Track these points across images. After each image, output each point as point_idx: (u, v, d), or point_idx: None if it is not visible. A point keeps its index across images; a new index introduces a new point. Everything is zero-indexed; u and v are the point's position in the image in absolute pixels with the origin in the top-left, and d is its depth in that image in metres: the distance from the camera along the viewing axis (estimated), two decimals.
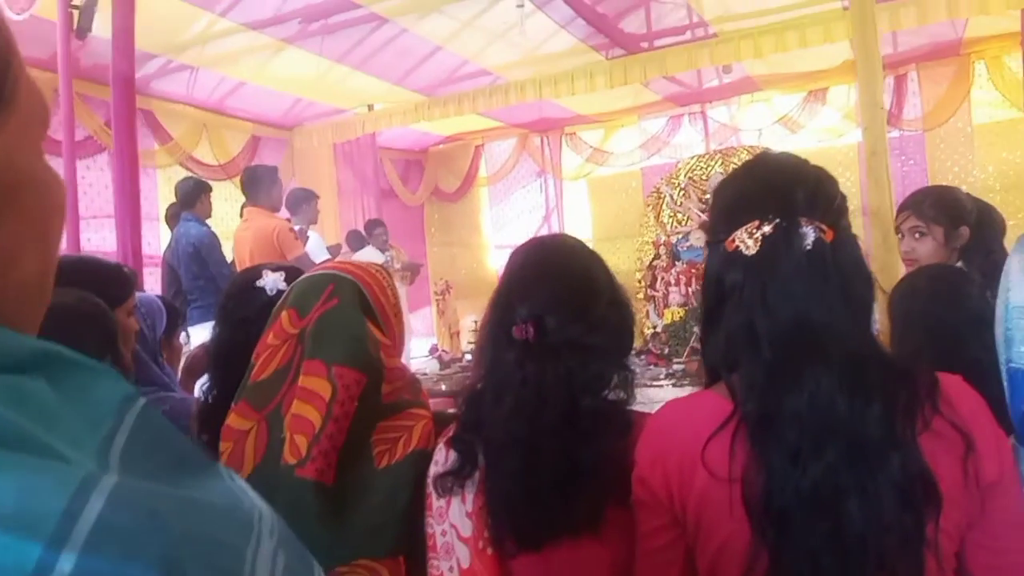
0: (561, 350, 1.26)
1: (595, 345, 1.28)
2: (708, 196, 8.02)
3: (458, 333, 7.83)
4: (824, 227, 0.98)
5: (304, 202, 5.71)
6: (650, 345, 5.97)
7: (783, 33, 6.21)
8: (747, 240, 0.99)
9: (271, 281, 1.86)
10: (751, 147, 8.42)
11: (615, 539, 1.18)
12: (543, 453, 1.23)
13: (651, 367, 5.36)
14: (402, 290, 6.51)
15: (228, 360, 1.73)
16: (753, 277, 0.99)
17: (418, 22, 6.27)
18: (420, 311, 9.46)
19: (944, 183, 7.81)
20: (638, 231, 7.63)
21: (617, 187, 9.44)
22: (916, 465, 0.92)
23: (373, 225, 6.86)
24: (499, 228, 10.32)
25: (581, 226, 9.92)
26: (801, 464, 0.93)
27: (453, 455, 1.36)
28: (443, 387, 4.98)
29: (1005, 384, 1.08)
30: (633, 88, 7.77)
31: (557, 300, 1.29)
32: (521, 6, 5.57)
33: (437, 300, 8.74)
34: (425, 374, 5.56)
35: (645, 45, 7.12)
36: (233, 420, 1.55)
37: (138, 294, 2.50)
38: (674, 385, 4.46)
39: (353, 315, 1.54)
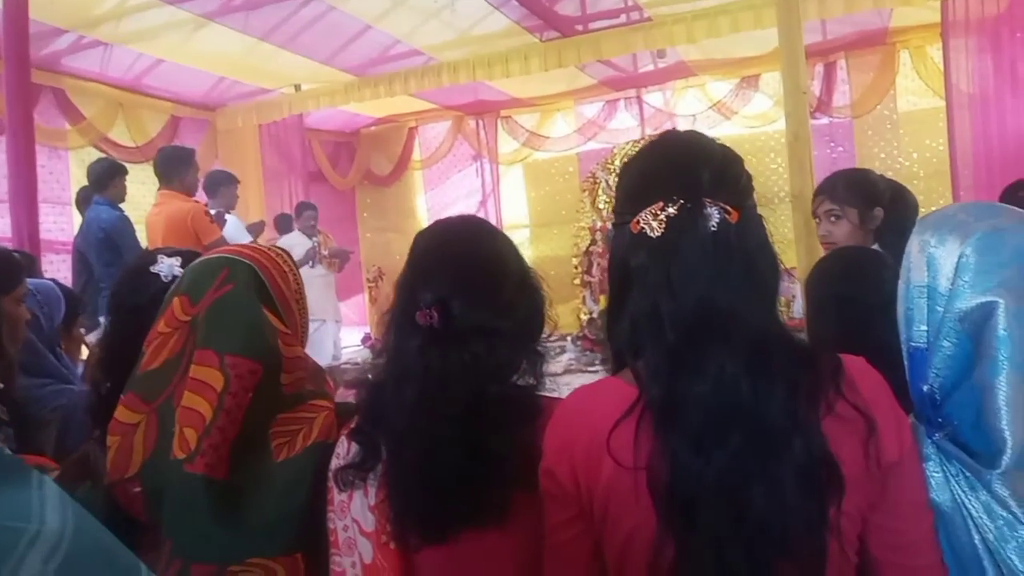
0: (467, 336, 1.21)
1: (503, 330, 1.23)
2: None
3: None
4: (729, 208, 0.96)
5: (223, 185, 5.51)
6: (586, 331, 5.96)
7: (715, 18, 6.24)
8: (652, 222, 0.96)
9: (166, 266, 1.75)
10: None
11: (522, 528, 1.15)
12: (447, 443, 1.18)
13: (587, 353, 5.35)
14: (331, 277, 6.36)
15: (121, 350, 1.62)
16: (658, 260, 0.96)
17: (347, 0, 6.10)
18: (352, 299, 9.29)
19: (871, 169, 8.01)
20: (575, 216, 7.61)
21: (554, 172, 9.41)
22: (819, 449, 0.91)
23: (301, 208, 6.66)
24: (435, 213, 10.18)
25: (518, 211, 9.90)
26: (705, 451, 0.91)
27: (355, 447, 1.30)
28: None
29: (905, 363, 1.07)
30: (568, 72, 7.74)
31: (463, 283, 1.24)
32: None
33: (370, 287, 8.58)
34: (357, 364, 5.44)
35: (580, 28, 7.07)
36: (121, 413, 1.46)
37: (34, 281, 2.36)
38: (608, 371, 4.45)
39: (249, 301, 1.46)
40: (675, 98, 9.17)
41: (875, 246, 2.11)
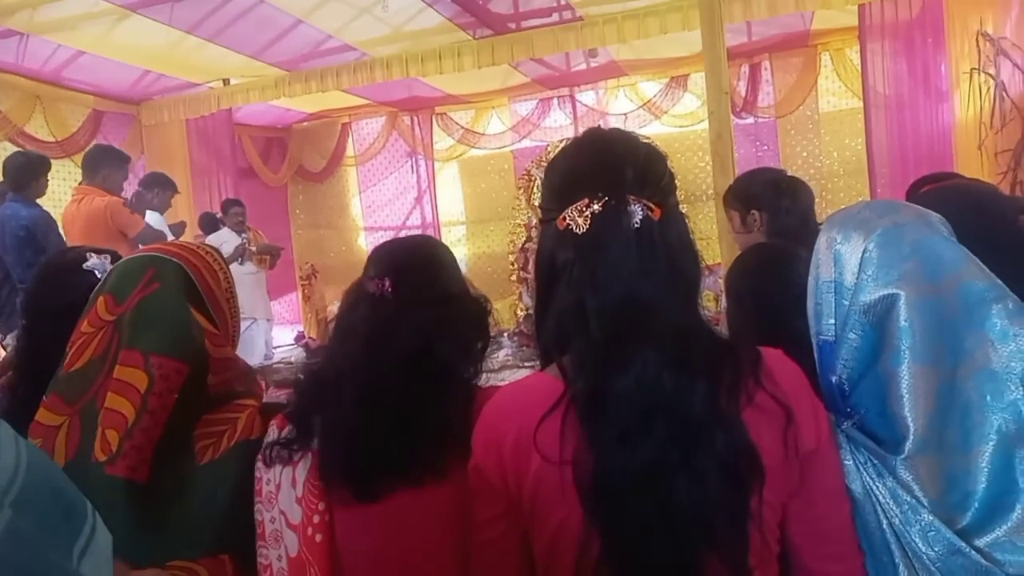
0: (417, 305, 1.29)
1: (449, 315, 1.31)
2: None
3: (326, 319, 7.61)
4: (652, 205, 0.98)
5: (160, 186, 5.35)
6: (522, 327, 6.00)
7: (644, 19, 6.34)
8: (577, 218, 0.98)
9: (99, 264, 1.71)
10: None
11: (455, 489, 1.17)
12: (387, 394, 1.24)
13: (523, 348, 5.38)
14: (261, 275, 6.24)
15: (42, 352, 1.58)
16: (583, 255, 0.98)
17: None
18: (285, 297, 9.13)
19: (794, 168, 8.28)
20: (511, 213, 7.64)
21: (489, 169, 9.43)
22: (740, 440, 0.93)
23: (229, 205, 6.50)
24: (370, 210, 10.09)
25: (454, 208, 9.88)
26: (630, 443, 0.93)
27: (287, 429, 1.33)
28: None
29: (816, 355, 1.11)
30: (503, 69, 7.76)
31: (412, 269, 1.35)
32: None
33: (303, 285, 8.45)
34: (290, 363, 5.35)
35: (513, 26, 7.09)
36: (42, 415, 1.43)
37: None
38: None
39: (175, 300, 1.44)
40: (607, 97, 9.28)
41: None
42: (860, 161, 7.06)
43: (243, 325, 6.57)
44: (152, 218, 5.23)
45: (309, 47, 7.06)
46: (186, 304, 1.45)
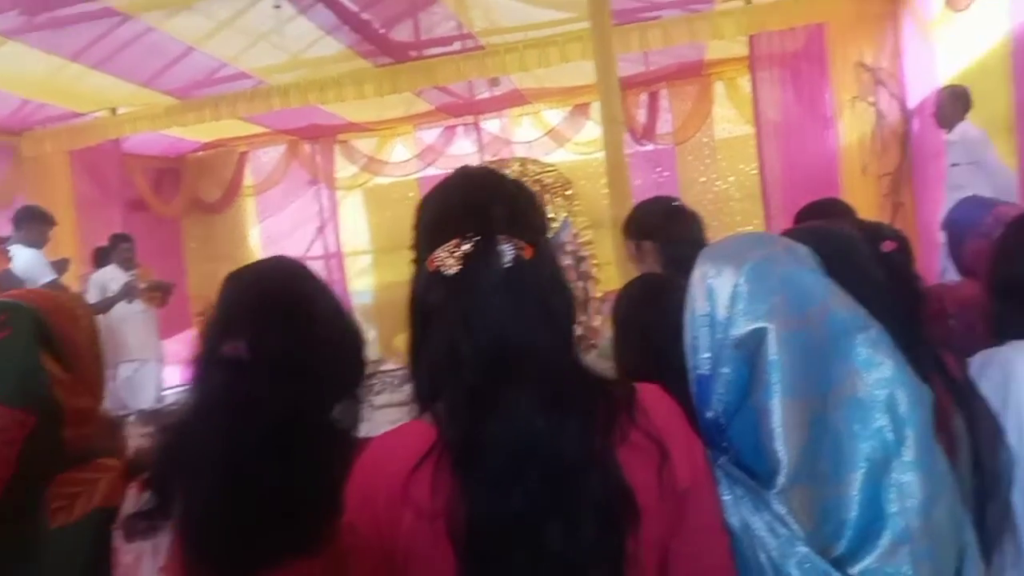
0: (277, 370, 1.19)
1: (317, 368, 1.22)
2: None
3: None
4: (523, 244, 0.97)
5: (32, 220, 5.05)
6: None
7: (545, 48, 6.44)
8: (447, 259, 0.96)
9: None
10: (523, 158, 8.71)
11: (333, 562, 1.09)
12: (252, 475, 1.14)
13: None
14: (152, 313, 5.97)
15: None
16: (454, 297, 0.96)
17: (166, 20, 5.79)
18: (179, 335, 8.75)
19: (692, 193, 8.53)
20: None
21: (394, 197, 9.34)
22: (615, 481, 0.92)
23: (116, 240, 6.19)
24: (270, 241, 9.83)
25: (358, 237, 9.74)
26: (503, 491, 0.90)
27: (145, 496, 1.24)
28: None
29: (692, 390, 1.10)
30: (405, 97, 7.73)
31: (272, 320, 1.23)
32: (278, 7, 5.31)
33: (199, 321, 8.11)
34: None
35: (414, 54, 7.10)
36: None
37: None
38: None
39: (25, 347, 1.35)
40: (512, 125, 9.37)
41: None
42: (755, 185, 7.34)
43: (131, 368, 6.27)
44: (29, 255, 4.94)
45: (202, 75, 6.88)
46: (37, 352, 1.35)
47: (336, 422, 1.25)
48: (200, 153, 9.50)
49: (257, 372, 1.18)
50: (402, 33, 6.94)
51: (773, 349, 1.01)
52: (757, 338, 1.02)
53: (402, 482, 0.92)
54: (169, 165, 9.50)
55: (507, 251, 0.95)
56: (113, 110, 7.15)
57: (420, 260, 1.02)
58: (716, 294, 1.07)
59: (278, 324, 1.22)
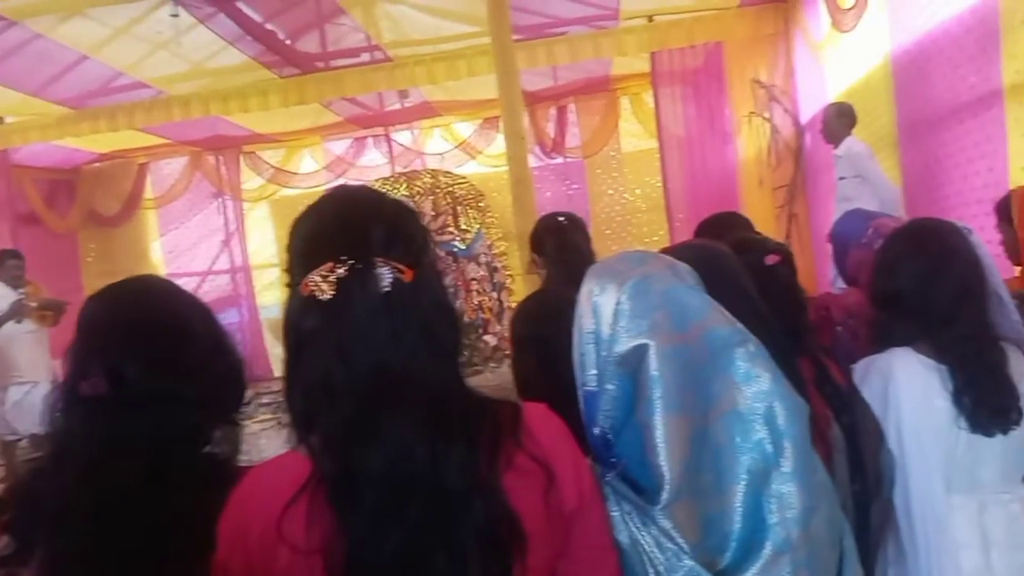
0: (144, 403, 1.11)
1: (189, 396, 1.14)
2: None
3: None
4: (403, 267, 0.92)
5: None
6: None
7: (454, 62, 6.47)
8: (321, 284, 0.90)
9: None
10: (434, 170, 8.69)
11: None
12: (117, 520, 1.07)
13: None
14: (43, 333, 5.66)
15: None
16: (328, 323, 0.91)
17: (56, 26, 5.52)
18: None
19: (601, 206, 8.70)
20: None
21: (302, 209, 9.12)
22: (499, 508, 0.89)
23: (4, 257, 5.83)
24: (173, 255, 9.50)
25: (265, 250, 9.51)
26: (382, 526, 0.86)
27: (4, 541, 1.14)
28: None
29: (581, 407, 1.10)
30: (313, 108, 7.62)
31: (136, 348, 1.14)
32: (175, 15, 5.14)
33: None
34: None
35: (321, 65, 6.99)
36: None
37: None
38: None
39: None
40: (423, 137, 9.36)
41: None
42: (660, 198, 7.54)
43: (21, 391, 5.93)
44: None
45: (97, 84, 6.61)
46: None
47: (213, 452, 1.18)
48: (97, 164, 9.12)
49: (119, 409, 1.10)
50: (308, 44, 6.83)
51: (654, 365, 1.02)
52: (639, 354, 1.03)
53: (276, 518, 0.88)
54: (64, 177, 9.08)
55: (385, 275, 0.91)
56: (0, 120, 6.78)
57: (294, 284, 0.96)
58: (600, 311, 1.08)
59: (141, 352, 1.14)
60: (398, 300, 0.91)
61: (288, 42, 6.58)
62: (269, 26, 6.21)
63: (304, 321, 0.93)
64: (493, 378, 6.73)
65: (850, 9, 4.78)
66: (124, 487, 1.07)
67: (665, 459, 1.01)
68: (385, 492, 0.87)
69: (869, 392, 1.71)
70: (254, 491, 0.94)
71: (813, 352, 1.94)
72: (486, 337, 7.73)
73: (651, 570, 1.02)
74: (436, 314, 0.96)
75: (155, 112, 6.76)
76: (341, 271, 0.90)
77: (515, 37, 4.99)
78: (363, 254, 0.91)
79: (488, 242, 8.32)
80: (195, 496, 1.06)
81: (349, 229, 0.95)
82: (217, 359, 1.22)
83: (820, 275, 5.66)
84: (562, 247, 2.31)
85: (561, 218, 2.37)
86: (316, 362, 0.91)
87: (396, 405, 0.89)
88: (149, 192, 9.36)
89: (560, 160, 8.71)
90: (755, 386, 1.05)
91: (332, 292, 0.90)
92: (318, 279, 0.91)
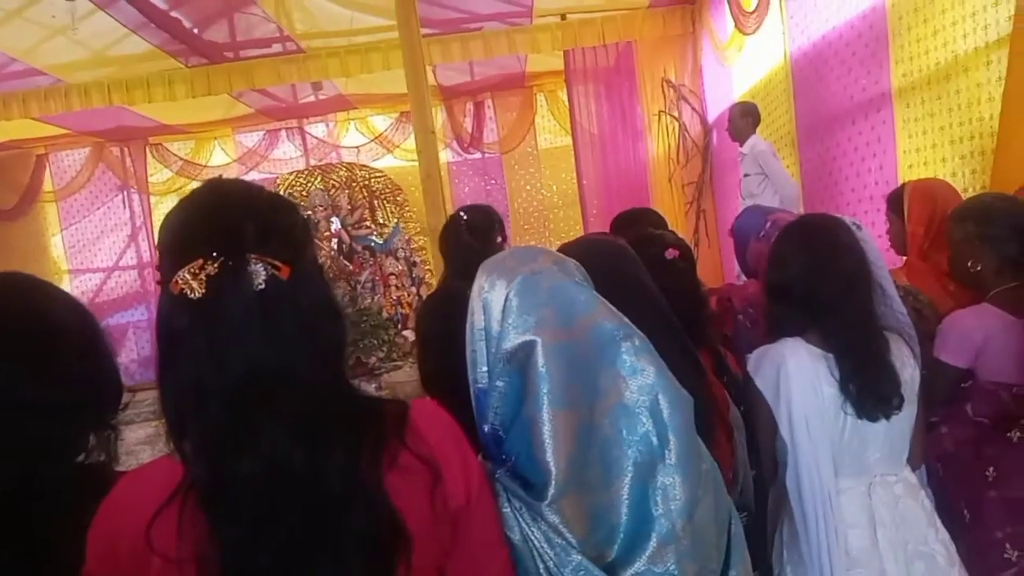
0: (8, 415, 1.04)
1: (60, 403, 1.07)
2: (308, 212, 7.96)
3: None
4: (279, 263, 0.89)
5: None
6: None
7: (367, 55, 6.38)
8: (191, 282, 0.86)
9: None
10: (350, 164, 8.56)
11: None
12: None
13: None
14: None
15: None
16: (199, 324, 0.87)
17: None
18: None
19: (519, 201, 8.74)
20: None
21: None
22: (382, 509, 0.88)
23: None
24: (75, 250, 9.08)
25: None
26: (258, 533, 0.84)
27: None
28: None
29: (473, 403, 1.11)
30: (223, 99, 7.39)
31: (2, 353, 1.06)
32: (71, 0, 4.90)
33: None
34: None
35: (230, 55, 6.79)
36: None
37: None
38: None
39: None
40: (338, 130, 9.20)
41: None
42: (575, 193, 7.63)
43: None
44: None
45: None
46: None
47: (86, 462, 1.12)
48: None
49: None
50: (216, 35, 6.62)
51: (541, 361, 1.03)
52: (526, 350, 1.04)
53: (145, 527, 0.85)
54: None
55: (259, 271, 0.87)
56: None
57: (164, 282, 0.91)
58: (490, 308, 1.08)
59: (4, 359, 1.06)
60: (273, 298, 0.88)
61: (195, 31, 6.36)
62: (174, 14, 5.98)
63: (174, 321, 0.89)
64: (412, 373, 6.68)
65: (752, 12, 4.94)
66: None
67: (552, 455, 1.02)
68: (260, 498, 0.85)
69: (762, 381, 1.78)
70: (124, 499, 0.91)
71: (711, 343, 2.00)
72: (405, 332, 7.67)
73: (541, 565, 1.03)
74: (316, 313, 0.93)
75: (52, 101, 6.44)
76: (212, 268, 0.86)
77: (428, 31, 4.98)
78: (235, 250, 0.88)
79: (406, 237, 8.25)
80: (66, 512, 0.99)
81: (221, 224, 0.90)
82: (91, 361, 1.15)
83: (727, 268, 5.84)
84: (456, 243, 2.31)
85: (462, 213, 2.37)
86: (187, 364, 0.88)
87: (271, 409, 0.87)
88: (48, 184, 8.91)
89: (478, 155, 8.71)
90: (640, 379, 1.07)
91: (202, 290, 0.86)
92: (188, 276, 0.87)
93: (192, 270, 0.87)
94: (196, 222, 0.92)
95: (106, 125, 8.06)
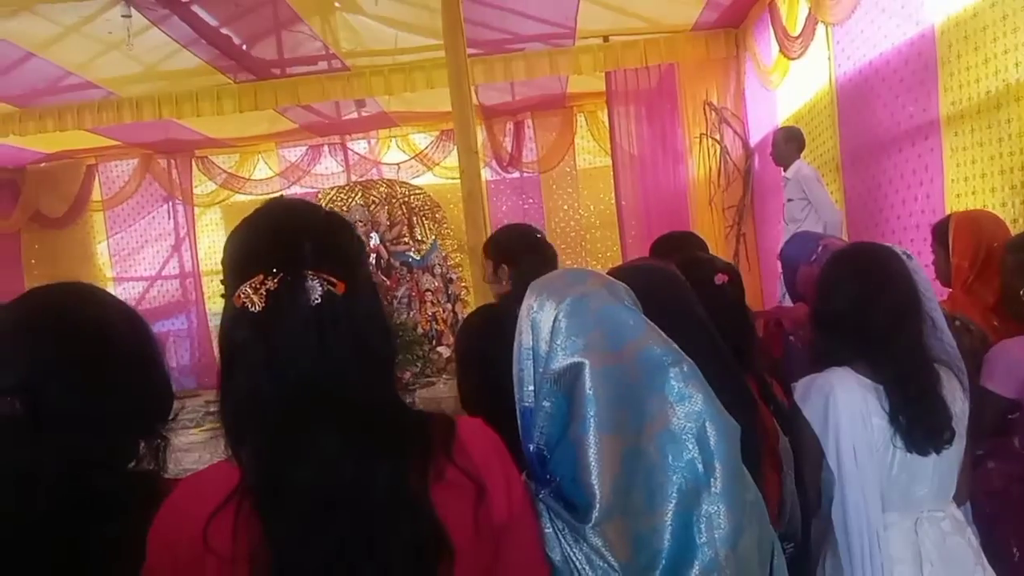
0: (62, 424, 1.05)
1: (112, 413, 1.09)
2: None
3: None
4: (334, 280, 0.93)
5: None
6: None
7: (411, 73, 6.47)
8: (252, 296, 0.91)
9: None
10: (390, 180, 8.65)
11: None
12: (29, 553, 1.02)
13: None
14: None
15: None
16: (259, 336, 0.91)
17: (2, 23, 5.38)
18: None
19: (556, 221, 8.75)
20: None
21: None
22: (427, 522, 0.90)
23: None
24: (120, 258, 9.29)
25: (217, 255, 9.33)
26: (309, 539, 0.87)
27: None
28: None
29: (519, 423, 1.11)
30: (268, 114, 7.54)
31: (57, 363, 1.08)
32: (127, 16, 5.05)
33: None
34: None
35: (277, 72, 6.93)
36: None
37: None
38: None
39: None
40: (379, 146, 9.32)
41: None
42: (613, 214, 7.62)
43: None
44: None
45: (45, 82, 6.45)
46: None
47: (137, 470, 1.14)
48: (43, 164, 8.89)
49: (35, 433, 1.04)
50: (265, 51, 6.77)
51: (588, 384, 1.03)
52: (574, 373, 1.04)
53: (202, 527, 0.88)
54: (7, 176, 8.83)
55: (315, 287, 0.91)
56: None
57: (228, 295, 0.96)
58: (539, 328, 1.09)
59: (60, 367, 1.08)
60: (328, 313, 0.92)
61: (244, 47, 6.51)
62: (224, 31, 6.14)
63: (235, 333, 0.93)
64: (446, 389, 6.70)
65: (797, 37, 4.91)
66: (43, 516, 1.02)
67: (597, 478, 1.01)
68: (311, 505, 0.88)
69: (810, 410, 1.75)
70: (184, 500, 0.94)
71: (758, 370, 1.97)
72: (440, 348, 7.68)
73: None
74: (369, 327, 0.96)
75: (105, 113, 6.63)
76: (271, 283, 0.91)
77: (472, 52, 5.02)
78: (294, 267, 0.92)
79: (443, 253, 8.29)
80: (120, 520, 1.03)
81: (281, 241, 0.95)
82: (142, 371, 1.17)
83: (767, 293, 5.78)
84: (530, 261, 2.30)
85: (538, 234, 2.37)
86: (246, 374, 0.92)
87: (323, 420, 0.90)
88: (97, 194, 9.15)
89: (517, 175, 8.75)
90: (688, 406, 1.06)
91: (262, 304, 0.90)
92: (249, 291, 0.91)
93: (253, 285, 0.91)
94: (258, 239, 0.97)
95: (155, 137, 8.27)
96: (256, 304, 0.90)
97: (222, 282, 0.99)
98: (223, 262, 1.00)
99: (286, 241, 0.95)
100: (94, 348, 1.12)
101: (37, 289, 1.21)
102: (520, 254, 2.40)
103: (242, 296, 0.92)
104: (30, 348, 1.09)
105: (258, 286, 0.91)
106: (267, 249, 0.94)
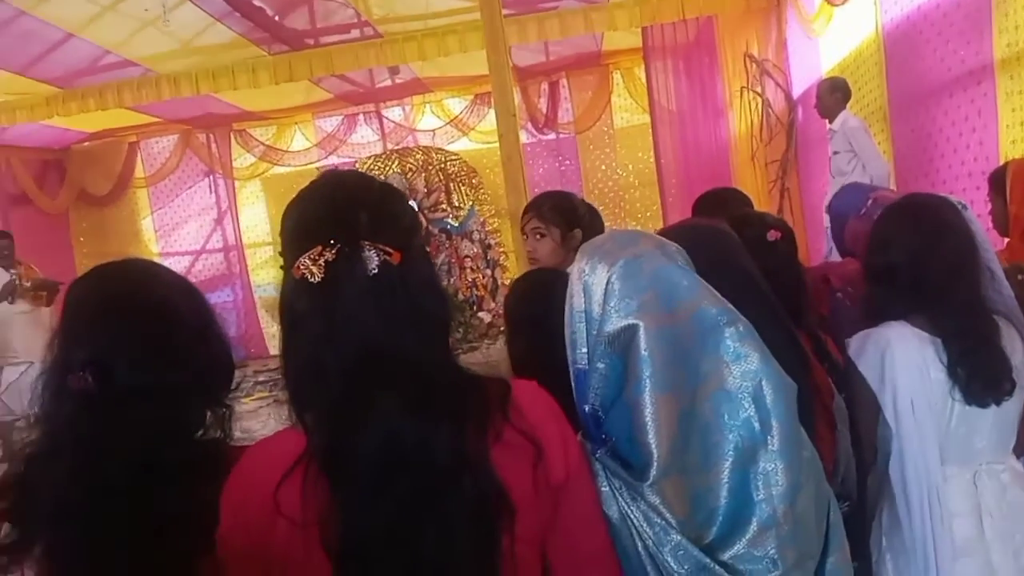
0: (132, 398, 1.10)
1: (179, 385, 1.13)
2: None
3: None
4: (390, 249, 0.95)
5: None
6: None
7: (444, 37, 6.40)
8: (311, 267, 0.93)
9: None
10: (426, 147, 8.64)
11: (207, 570, 1.04)
12: (111, 519, 1.06)
13: None
14: (39, 313, 5.64)
15: None
16: (318, 306, 0.93)
17: (40, 4, 5.45)
18: None
19: (594, 181, 8.67)
20: None
21: (295, 186, 8.66)
22: (488, 482, 0.92)
23: None
24: (164, 233, 9.47)
25: (259, 228, 9.49)
26: (374, 500, 0.90)
27: (5, 528, 1.14)
28: None
29: (572, 384, 1.12)
30: (303, 85, 7.55)
31: (124, 338, 1.12)
32: None
33: None
34: None
35: (310, 42, 6.93)
36: None
37: None
38: None
39: None
40: (414, 113, 9.29)
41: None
42: (652, 173, 7.52)
43: (17, 371, 5.88)
44: None
45: (85, 63, 6.54)
46: None
47: (204, 439, 1.18)
48: (87, 144, 9.06)
49: (108, 407, 1.09)
50: (297, 21, 6.76)
51: (644, 344, 1.03)
52: (629, 334, 1.04)
53: (272, 492, 0.91)
54: (53, 156, 9.02)
55: (372, 257, 0.93)
56: None
57: (287, 267, 0.99)
58: (591, 291, 1.09)
59: (129, 342, 1.12)
60: (386, 282, 0.94)
61: (276, 18, 6.51)
62: (257, 2, 6.14)
63: (296, 303, 0.96)
64: (488, 354, 6.74)
65: None
66: (118, 486, 1.07)
67: (654, 437, 1.03)
68: (375, 468, 0.91)
69: (865, 365, 1.73)
70: (254, 466, 0.98)
71: (811, 328, 1.95)
72: (480, 314, 7.73)
73: (639, 543, 1.05)
74: (425, 295, 0.98)
75: (144, 91, 6.69)
76: (329, 255, 0.93)
77: (506, 12, 4.95)
78: (350, 238, 0.94)
79: (481, 219, 8.29)
80: (190, 488, 1.07)
81: (337, 213, 0.97)
82: (205, 343, 1.21)
83: (812, 248, 5.67)
84: (593, 226, 2.31)
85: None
86: (307, 343, 0.95)
87: (385, 385, 0.92)
88: (140, 171, 9.30)
89: (552, 136, 8.67)
90: (744, 365, 1.06)
91: (321, 275, 0.93)
92: (308, 262, 0.93)
93: (312, 256, 0.93)
94: (315, 212, 1.00)
95: (193, 112, 8.35)
96: (315, 275, 0.92)
97: (280, 254, 1.02)
98: (280, 234, 1.03)
99: (342, 213, 0.97)
100: (160, 324, 1.16)
101: (101, 267, 1.25)
102: (588, 220, 2.40)
103: (301, 267, 0.94)
104: (101, 325, 1.13)
105: (316, 257, 0.93)
106: (324, 221, 0.97)
